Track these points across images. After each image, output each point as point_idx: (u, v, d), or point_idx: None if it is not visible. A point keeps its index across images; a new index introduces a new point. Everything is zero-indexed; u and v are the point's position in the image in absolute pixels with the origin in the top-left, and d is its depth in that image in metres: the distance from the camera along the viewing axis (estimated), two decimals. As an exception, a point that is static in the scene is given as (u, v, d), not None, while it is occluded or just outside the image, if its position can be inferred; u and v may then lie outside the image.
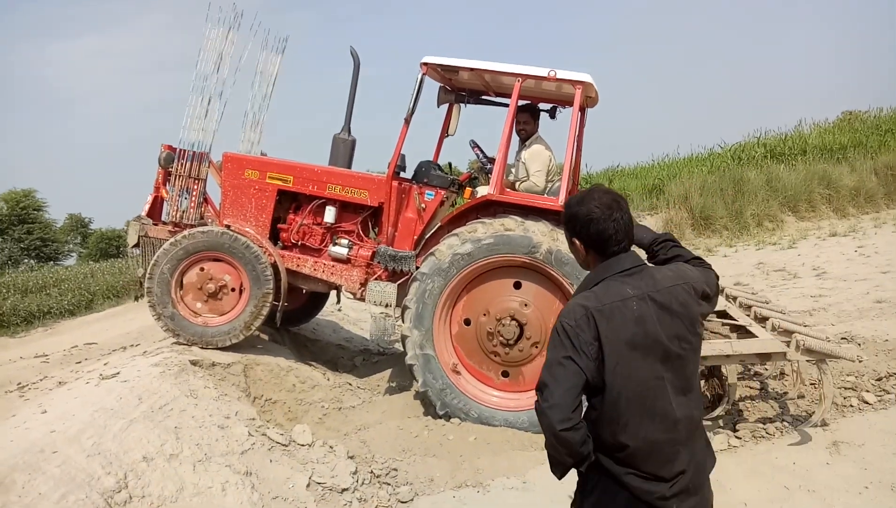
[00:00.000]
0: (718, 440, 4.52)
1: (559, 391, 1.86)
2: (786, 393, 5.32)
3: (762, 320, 5.01)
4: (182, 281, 5.39)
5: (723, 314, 5.41)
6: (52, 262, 36.42)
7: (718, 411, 4.84)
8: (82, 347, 8.58)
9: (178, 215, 5.64)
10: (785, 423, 4.69)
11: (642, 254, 2.27)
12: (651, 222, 12.89)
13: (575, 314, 1.94)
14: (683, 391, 1.99)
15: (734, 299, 5.81)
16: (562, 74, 5.04)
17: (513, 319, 5.03)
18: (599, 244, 2.05)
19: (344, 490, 4.12)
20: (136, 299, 5.74)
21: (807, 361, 4.56)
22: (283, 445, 4.37)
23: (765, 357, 4.64)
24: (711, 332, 5.12)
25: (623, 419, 1.93)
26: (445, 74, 5.60)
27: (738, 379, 5.14)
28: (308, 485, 4.02)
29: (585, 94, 5.34)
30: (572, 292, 4.73)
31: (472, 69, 5.30)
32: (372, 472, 4.35)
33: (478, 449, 4.74)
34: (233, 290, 5.44)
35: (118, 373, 4.70)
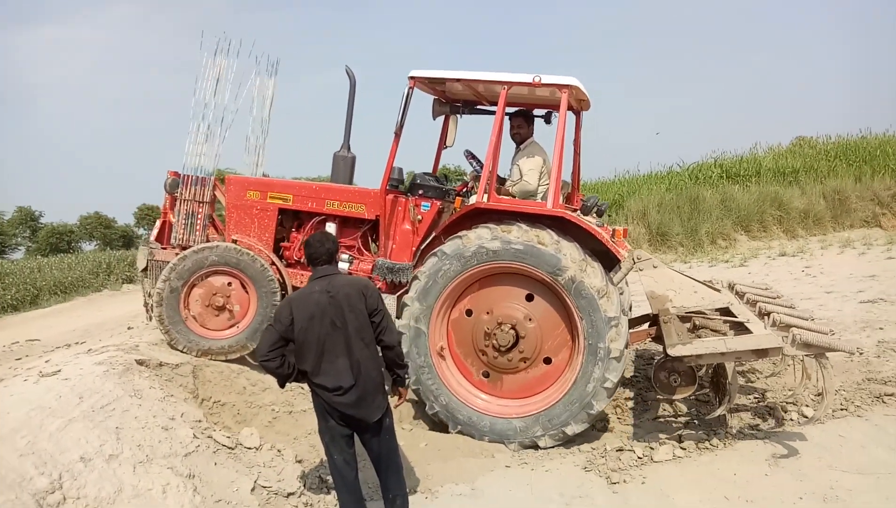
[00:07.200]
0: (664, 451, 4.60)
1: (264, 344, 3.38)
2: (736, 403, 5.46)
3: (766, 315, 4.86)
4: (207, 277, 5.51)
5: (725, 311, 5.20)
6: (-3, 255, 35.10)
7: (720, 411, 4.70)
8: (24, 343, 8.30)
9: (184, 238, 5.75)
10: (728, 435, 4.80)
11: None
12: (610, 236, 13.10)
13: (281, 304, 3.52)
14: (356, 338, 3.40)
15: (742, 295, 5.64)
16: (547, 78, 4.98)
17: (512, 328, 4.96)
18: (310, 261, 3.60)
19: (290, 494, 4.06)
20: (150, 319, 5.86)
21: (804, 356, 4.40)
22: (230, 448, 4.29)
23: (761, 353, 4.47)
24: (711, 330, 4.92)
25: (305, 356, 3.40)
26: (435, 86, 5.62)
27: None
28: (253, 489, 3.95)
29: (576, 97, 5.36)
30: (579, 326, 4.75)
31: (458, 80, 5.31)
32: (320, 477, 4.30)
33: (427, 455, 4.74)
34: (230, 319, 5.54)
35: (59, 371, 4.55)
